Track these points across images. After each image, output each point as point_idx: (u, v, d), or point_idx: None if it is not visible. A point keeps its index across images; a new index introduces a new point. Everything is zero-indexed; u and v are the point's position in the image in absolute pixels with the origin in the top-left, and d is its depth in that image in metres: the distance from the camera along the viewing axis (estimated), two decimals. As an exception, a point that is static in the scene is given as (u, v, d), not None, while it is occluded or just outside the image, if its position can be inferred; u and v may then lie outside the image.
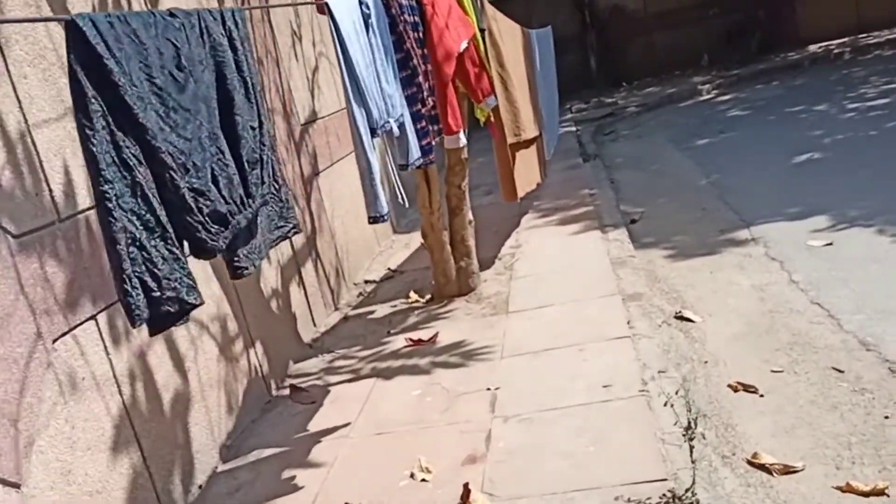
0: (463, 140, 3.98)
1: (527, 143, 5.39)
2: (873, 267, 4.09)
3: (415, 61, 3.24)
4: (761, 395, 3.11)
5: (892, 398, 2.88)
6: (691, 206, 6.09)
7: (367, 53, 2.88)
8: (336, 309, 4.98)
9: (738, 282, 4.37)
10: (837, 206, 5.19)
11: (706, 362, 3.49)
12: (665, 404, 2.73)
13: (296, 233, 2.44)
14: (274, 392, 3.84)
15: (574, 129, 11.01)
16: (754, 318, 3.86)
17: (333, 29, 2.67)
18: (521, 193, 4.95)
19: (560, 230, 5.68)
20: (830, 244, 4.55)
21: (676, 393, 2.90)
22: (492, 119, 4.41)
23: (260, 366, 3.74)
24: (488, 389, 3.32)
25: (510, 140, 4.76)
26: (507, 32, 5.28)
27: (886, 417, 2.77)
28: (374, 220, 2.74)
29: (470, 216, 4.53)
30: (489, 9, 4.76)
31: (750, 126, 8.75)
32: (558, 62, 10.66)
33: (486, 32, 4.59)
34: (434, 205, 4.27)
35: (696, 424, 2.67)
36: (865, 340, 3.35)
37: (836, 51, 12.45)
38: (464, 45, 3.69)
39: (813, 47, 13.31)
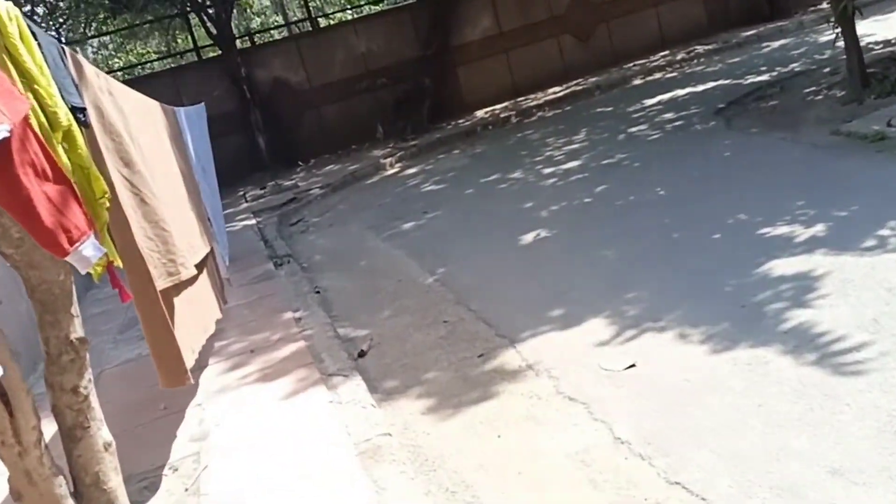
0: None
1: (191, 277, 3.52)
2: (711, 400, 2.99)
3: None
4: None
5: None
6: (427, 319, 4.70)
7: None
8: None
9: (542, 448, 2.99)
10: (604, 302, 4.17)
11: None
12: None
13: None
14: None
15: (254, 221, 9.22)
16: (602, 524, 2.48)
17: None
18: (191, 363, 3.06)
19: (265, 393, 3.85)
20: (633, 366, 3.42)
21: None
22: (115, 266, 2.49)
23: None
24: None
25: (162, 285, 2.87)
26: (136, 112, 3.42)
27: None
28: None
29: (105, 436, 2.49)
30: (94, 75, 2.86)
31: (453, 202, 7.82)
32: (219, 144, 8.86)
33: (91, 113, 2.69)
34: (25, 437, 2.18)
35: None
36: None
37: (502, 115, 12.51)
38: None
39: (480, 112, 13.33)
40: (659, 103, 10.02)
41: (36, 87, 2.09)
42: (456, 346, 4.19)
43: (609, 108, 10.79)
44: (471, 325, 4.43)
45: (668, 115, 9.00)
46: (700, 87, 10.31)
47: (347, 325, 4.99)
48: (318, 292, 5.83)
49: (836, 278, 3.65)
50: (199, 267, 4.06)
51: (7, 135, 1.50)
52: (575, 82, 13.54)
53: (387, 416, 3.48)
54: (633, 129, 8.75)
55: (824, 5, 13.58)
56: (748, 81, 9.65)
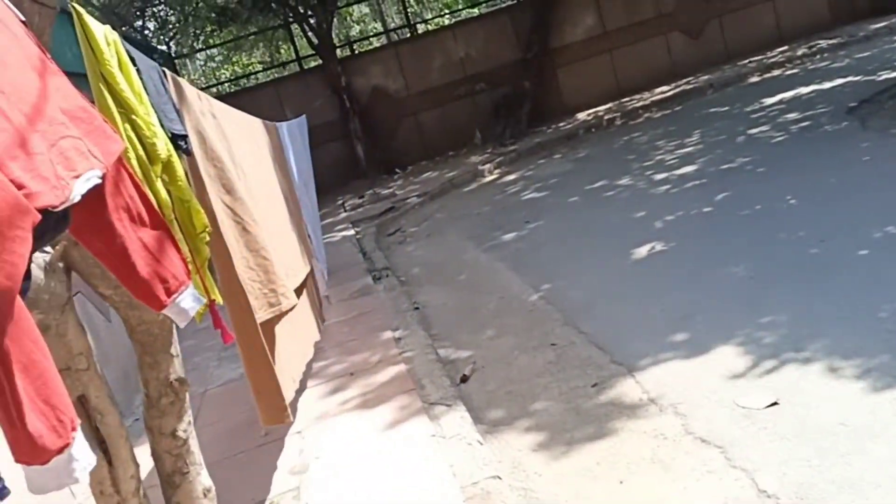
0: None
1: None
2: (875, 448, 2.58)
3: None
4: None
5: None
6: (533, 340, 4.43)
7: None
8: None
9: (673, 500, 2.67)
10: (736, 326, 3.78)
11: None
12: None
13: None
14: None
15: (352, 231, 9.20)
16: None
17: None
18: (290, 397, 2.92)
19: (365, 422, 3.69)
20: (776, 404, 3.04)
21: None
22: (217, 304, 2.36)
23: None
24: None
25: (263, 317, 2.74)
26: (238, 133, 3.32)
27: None
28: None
29: (204, 481, 2.37)
30: (196, 98, 2.76)
31: (556, 211, 7.51)
32: (319, 153, 8.91)
33: (193, 139, 2.58)
34: (124, 486, 2.08)
35: None
36: None
37: (606, 117, 12.04)
38: (83, 184, 1.38)
39: (582, 115, 12.90)
40: (780, 102, 9.33)
41: (134, 117, 1.98)
42: (566, 372, 3.91)
43: (724, 108, 10.16)
44: (582, 349, 4.13)
45: (793, 115, 8.33)
46: (826, 85, 9.53)
47: (448, 346, 4.79)
48: (417, 308, 5.66)
49: None
50: (299, 289, 3.95)
51: (99, 181, 1.36)
52: (685, 81, 12.89)
53: (494, 453, 3.24)
54: (754, 131, 8.15)
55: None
56: (882, 78, 8.82)
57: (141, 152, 1.97)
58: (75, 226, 1.42)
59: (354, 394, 4.11)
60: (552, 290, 5.20)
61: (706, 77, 12.66)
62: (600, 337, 4.18)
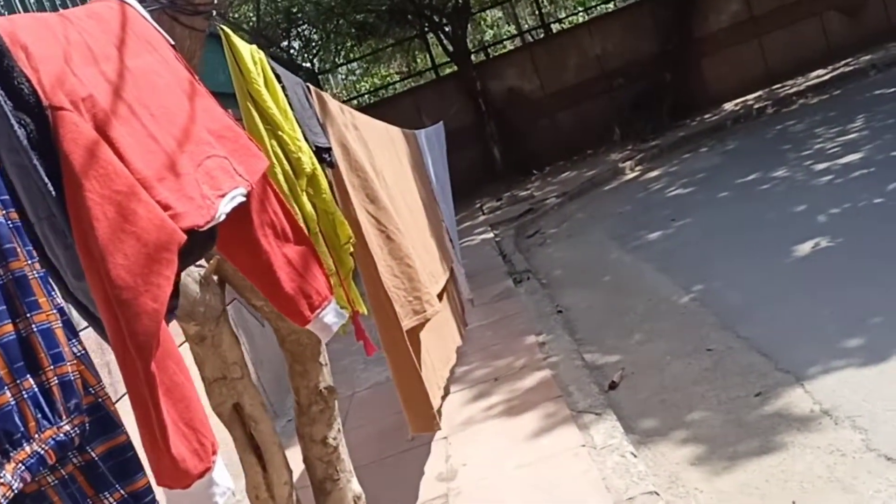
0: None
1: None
2: None
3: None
4: None
5: None
6: (687, 346, 4.19)
7: None
8: None
9: (856, 526, 2.40)
10: (921, 329, 3.38)
11: None
12: None
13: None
14: None
15: (491, 234, 9.18)
16: None
17: None
18: (437, 404, 2.90)
19: (512, 429, 3.62)
20: (975, 419, 2.67)
21: None
22: (361, 314, 2.38)
23: None
24: None
25: (409, 325, 2.75)
26: (380, 144, 3.37)
27: None
28: None
29: (355, 488, 2.39)
30: (338, 111, 2.81)
31: (705, 207, 7.11)
32: (456, 157, 8.98)
33: (337, 151, 2.63)
34: (278, 492, 2.13)
35: None
36: None
37: (756, 106, 11.30)
38: (228, 202, 1.41)
39: (728, 105, 12.20)
40: (959, 77, 8.36)
41: (280, 133, 2.03)
42: (725, 380, 3.65)
43: (891, 90, 9.23)
44: (741, 355, 3.84)
45: (976, 90, 7.44)
46: None
47: (594, 351, 4.63)
48: (560, 312, 5.53)
49: None
50: (440, 295, 3.96)
51: (243, 199, 1.39)
52: (843, 63, 11.87)
53: (649, 466, 3.07)
54: (929, 112, 7.35)
55: None
56: None
57: (287, 167, 2.01)
58: (222, 242, 1.46)
59: (499, 399, 4.06)
60: (705, 292, 4.90)
61: (867, 57, 11.58)
62: (762, 342, 3.88)
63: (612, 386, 4.03)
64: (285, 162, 2.02)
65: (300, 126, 2.29)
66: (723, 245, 5.74)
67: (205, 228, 1.22)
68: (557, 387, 3.96)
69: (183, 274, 1.75)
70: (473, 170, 12.89)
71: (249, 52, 2.11)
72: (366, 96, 17.95)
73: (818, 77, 11.60)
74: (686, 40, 12.71)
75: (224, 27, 2.01)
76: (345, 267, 2.23)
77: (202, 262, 1.85)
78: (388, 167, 3.53)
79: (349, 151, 2.71)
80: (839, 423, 2.95)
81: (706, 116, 11.99)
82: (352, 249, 2.29)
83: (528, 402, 3.87)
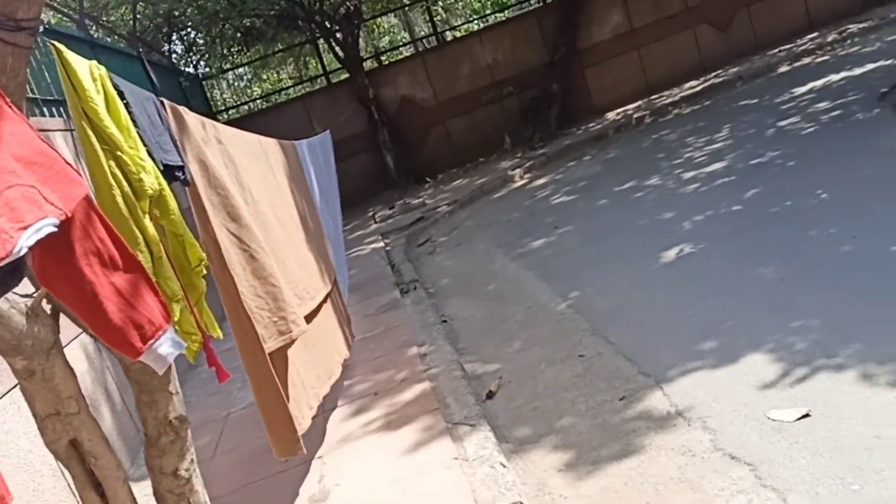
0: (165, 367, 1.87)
1: (308, 325, 3.36)
2: (915, 465, 2.43)
3: None
4: None
5: None
6: (561, 352, 4.33)
7: None
8: None
9: (700, 523, 2.55)
10: (766, 332, 3.63)
11: None
12: None
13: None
14: None
15: (382, 243, 9.17)
16: None
17: None
18: (304, 427, 2.87)
19: (388, 445, 3.62)
20: (808, 415, 2.89)
21: None
22: (214, 339, 2.31)
23: None
24: None
25: (273, 346, 2.70)
26: (249, 157, 3.30)
27: None
28: None
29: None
30: (197, 126, 2.74)
31: (585, 215, 7.37)
32: (348, 165, 8.92)
33: (195, 168, 2.55)
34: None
35: None
36: None
37: (635, 115, 11.82)
38: (32, 234, 1.32)
39: (611, 115, 12.71)
40: (811, 91, 9.04)
41: (119, 153, 1.95)
42: (594, 385, 3.79)
43: (753, 101, 9.89)
44: (610, 360, 4.01)
45: (823, 105, 8.06)
46: (857, 71, 9.21)
47: (475, 360, 4.71)
48: (444, 321, 5.59)
49: None
50: (318, 309, 3.92)
51: (54, 229, 1.32)
52: (714, 74, 12.61)
53: (518, 475, 3.15)
54: (784, 123, 7.90)
55: None
56: (916, 59, 8.50)
57: (127, 188, 1.94)
58: (42, 274, 1.39)
59: (378, 415, 4.05)
60: (580, 298, 5.08)
61: (735, 69, 12.37)
62: (628, 347, 4.06)
63: (490, 395, 4.11)
64: (125, 183, 1.94)
65: (147, 144, 2.21)
66: (598, 252, 5.97)
67: (3, 263, 1.15)
68: (436, 399, 4.00)
69: (6, 306, 1.65)
70: (366, 178, 12.85)
71: (87, 68, 2.02)
72: (258, 101, 17.57)
73: (691, 88, 12.26)
74: (571, 51, 13.15)
75: (55, 43, 1.92)
76: (195, 291, 2.17)
77: (30, 291, 1.74)
78: (258, 182, 3.47)
79: (208, 168, 2.64)
80: (691, 423, 3.13)
81: (590, 125, 12.44)
82: (204, 272, 2.23)
83: (406, 416, 3.89)
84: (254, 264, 2.76)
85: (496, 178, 11.04)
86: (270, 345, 2.71)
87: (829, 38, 11.92)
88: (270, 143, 4.22)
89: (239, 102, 16.41)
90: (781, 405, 3.00)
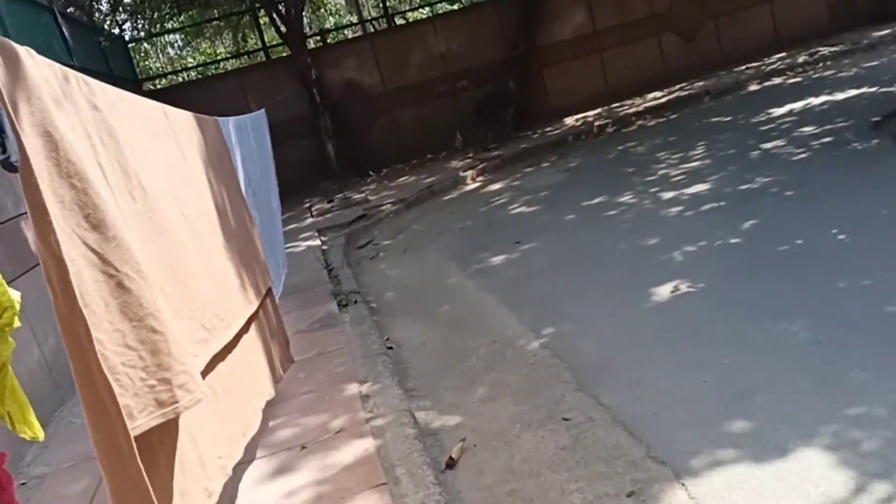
0: None
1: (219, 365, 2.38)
2: None
3: None
4: None
5: None
6: (539, 409, 3.45)
7: None
8: None
9: None
10: (815, 416, 2.83)
11: None
12: None
13: None
14: None
15: (318, 241, 8.14)
16: None
17: None
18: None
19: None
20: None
21: None
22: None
23: None
24: None
25: (147, 423, 1.72)
26: (144, 134, 2.29)
27: None
28: None
29: None
30: (47, 80, 1.73)
31: (551, 231, 6.54)
32: (285, 150, 7.86)
33: (34, 143, 1.55)
34: None
35: None
36: None
37: (596, 123, 11.13)
38: None
39: (570, 120, 11.99)
40: (791, 113, 8.50)
41: None
42: (589, 467, 2.92)
43: (727, 119, 9.31)
44: (605, 430, 3.15)
45: (809, 129, 7.49)
46: (839, 96, 8.73)
47: (429, 408, 3.79)
48: (390, 348, 4.65)
49: None
50: (234, 342, 2.92)
51: None
52: (678, 87, 12.06)
53: None
54: (768, 146, 7.28)
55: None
56: (902, 89, 8.05)
57: None
58: None
59: (304, 481, 3.09)
60: (557, 337, 4.23)
61: (702, 83, 11.85)
62: (628, 415, 3.21)
63: (451, 464, 3.19)
64: None
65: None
66: (573, 279, 5.13)
67: None
68: (381, 467, 3.06)
69: None
70: (304, 165, 11.75)
71: None
72: (189, 72, 16.15)
73: (655, 99, 11.68)
74: (530, 48, 12.37)
75: None
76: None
77: None
78: (158, 167, 2.46)
79: (58, 145, 1.64)
80: (738, 549, 2.30)
81: (548, 130, 11.69)
82: (11, 327, 1.25)
83: (342, 491, 2.94)
84: (124, 297, 1.76)
85: (446, 178, 10.14)
86: (142, 421, 1.73)
87: (800, 60, 11.53)
88: (182, 117, 3.19)
89: (167, 71, 15.01)
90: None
